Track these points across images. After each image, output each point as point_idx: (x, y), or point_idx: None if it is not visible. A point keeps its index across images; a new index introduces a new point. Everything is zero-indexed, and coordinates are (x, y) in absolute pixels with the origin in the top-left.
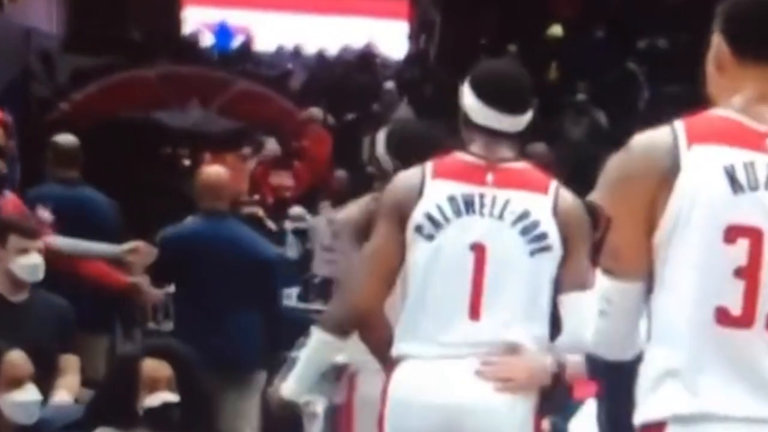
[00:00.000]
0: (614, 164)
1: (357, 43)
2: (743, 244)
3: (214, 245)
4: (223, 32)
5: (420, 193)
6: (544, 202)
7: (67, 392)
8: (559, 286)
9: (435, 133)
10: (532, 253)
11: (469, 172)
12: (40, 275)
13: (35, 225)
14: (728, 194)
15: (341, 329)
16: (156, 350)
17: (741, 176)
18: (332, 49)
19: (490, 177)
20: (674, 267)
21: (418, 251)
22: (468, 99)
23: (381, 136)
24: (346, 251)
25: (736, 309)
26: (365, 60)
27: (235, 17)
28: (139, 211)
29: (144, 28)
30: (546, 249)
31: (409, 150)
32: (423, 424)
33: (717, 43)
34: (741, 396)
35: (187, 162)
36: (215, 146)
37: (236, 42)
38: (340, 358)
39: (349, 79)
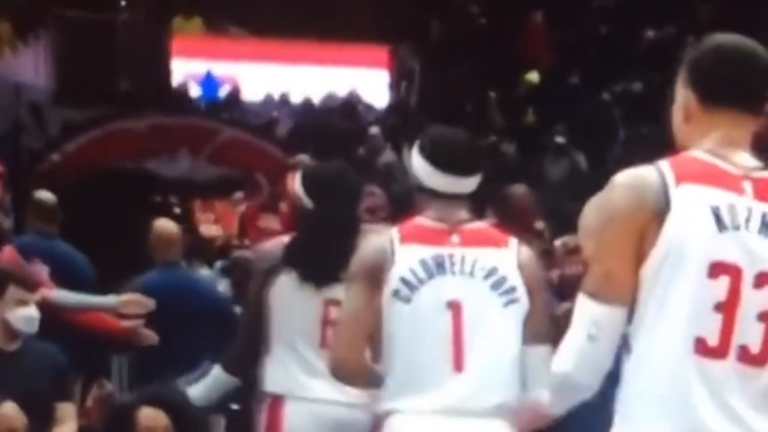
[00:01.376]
0: (605, 200)
1: (341, 91)
2: (724, 281)
3: (169, 295)
4: (209, 82)
5: (392, 258)
6: (508, 256)
7: None
8: (521, 337)
9: (347, 175)
10: (505, 305)
11: (434, 235)
12: (36, 328)
13: (34, 277)
14: (714, 232)
15: (236, 371)
16: (152, 399)
17: (725, 216)
18: (317, 98)
19: (455, 238)
20: (661, 297)
21: (397, 314)
22: (421, 166)
23: (298, 176)
24: (254, 288)
25: (713, 340)
26: (349, 107)
27: (222, 69)
28: (128, 259)
29: (133, 81)
30: (515, 301)
31: (321, 190)
32: None
33: (683, 93)
34: (710, 422)
35: (177, 210)
36: (205, 194)
37: (223, 92)
38: (268, 387)
39: (333, 125)
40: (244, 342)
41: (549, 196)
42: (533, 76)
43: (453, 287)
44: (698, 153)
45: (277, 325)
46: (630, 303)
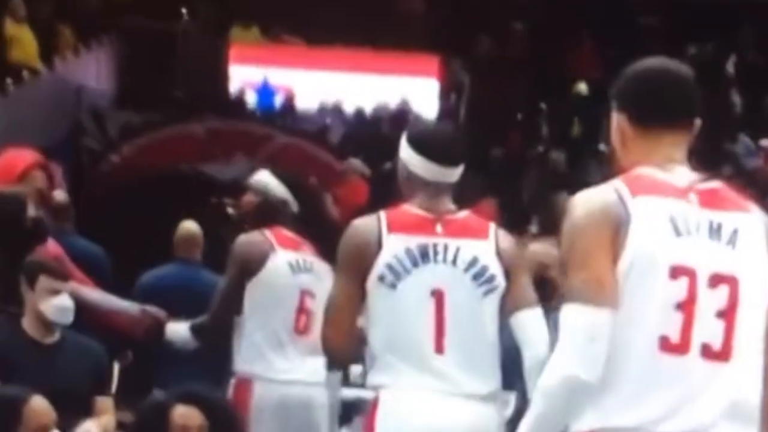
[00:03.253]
0: (572, 219)
1: (392, 100)
2: (683, 282)
3: (185, 292)
4: (265, 91)
5: (379, 245)
6: (487, 246)
7: None
8: (504, 311)
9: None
10: (485, 294)
11: (420, 225)
12: (70, 318)
13: (69, 270)
14: (672, 237)
15: (202, 339)
16: (187, 397)
17: (681, 223)
18: (369, 106)
19: (439, 228)
20: (629, 298)
21: (382, 299)
22: (410, 156)
23: (274, 181)
24: (238, 272)
25: (675, 337)
26: (400, 117)
27: (277, 76)
28: None
29: (191, 87)
30: (494, 289)
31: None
32: None
33: (617, 120)
34: (670, 414)
35: (232, 211)
36: None
37: (278, 100)
38: (238, 366)
39: (385, 134)
40: (218, 317)
41: None
42: (582, 88)
43: (437, 276)
44: (644, 170)
45: (256, 309)
46: (617, 306)
